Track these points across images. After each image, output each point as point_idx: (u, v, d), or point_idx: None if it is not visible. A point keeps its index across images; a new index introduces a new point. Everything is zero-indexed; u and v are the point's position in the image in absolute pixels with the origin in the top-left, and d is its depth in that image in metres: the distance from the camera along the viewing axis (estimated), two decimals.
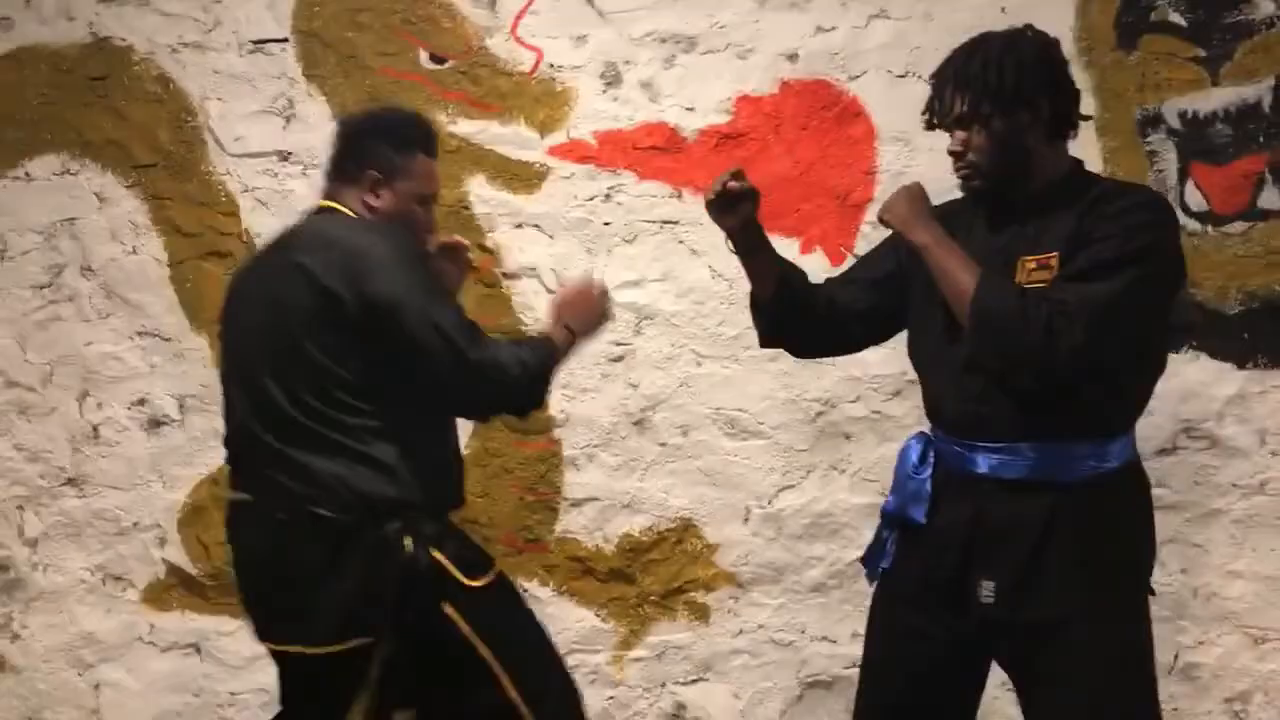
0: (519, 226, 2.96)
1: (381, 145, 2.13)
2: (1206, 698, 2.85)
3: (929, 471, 2.02)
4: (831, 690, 2.94)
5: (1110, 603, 1.90)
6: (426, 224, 2.19)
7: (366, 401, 1.97)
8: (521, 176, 2.95)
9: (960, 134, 1.95)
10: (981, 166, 1.93)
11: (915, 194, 2.03)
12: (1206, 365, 2.81)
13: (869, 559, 2.16)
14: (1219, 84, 2.77)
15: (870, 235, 2.79)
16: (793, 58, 2.90)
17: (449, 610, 1.98)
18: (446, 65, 2.97)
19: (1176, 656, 2.84)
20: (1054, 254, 1.88)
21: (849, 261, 2.75)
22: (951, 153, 1.98)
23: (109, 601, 3.14)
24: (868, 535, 2.90)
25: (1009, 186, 1.95)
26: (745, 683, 2.97)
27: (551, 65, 2.94)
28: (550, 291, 2.93)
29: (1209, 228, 2.80)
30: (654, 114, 2.91)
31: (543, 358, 2.04)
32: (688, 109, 2.91)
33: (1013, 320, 1.81)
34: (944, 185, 2.84)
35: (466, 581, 2.00)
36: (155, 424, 3.10)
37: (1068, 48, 2.76)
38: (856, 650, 2.90)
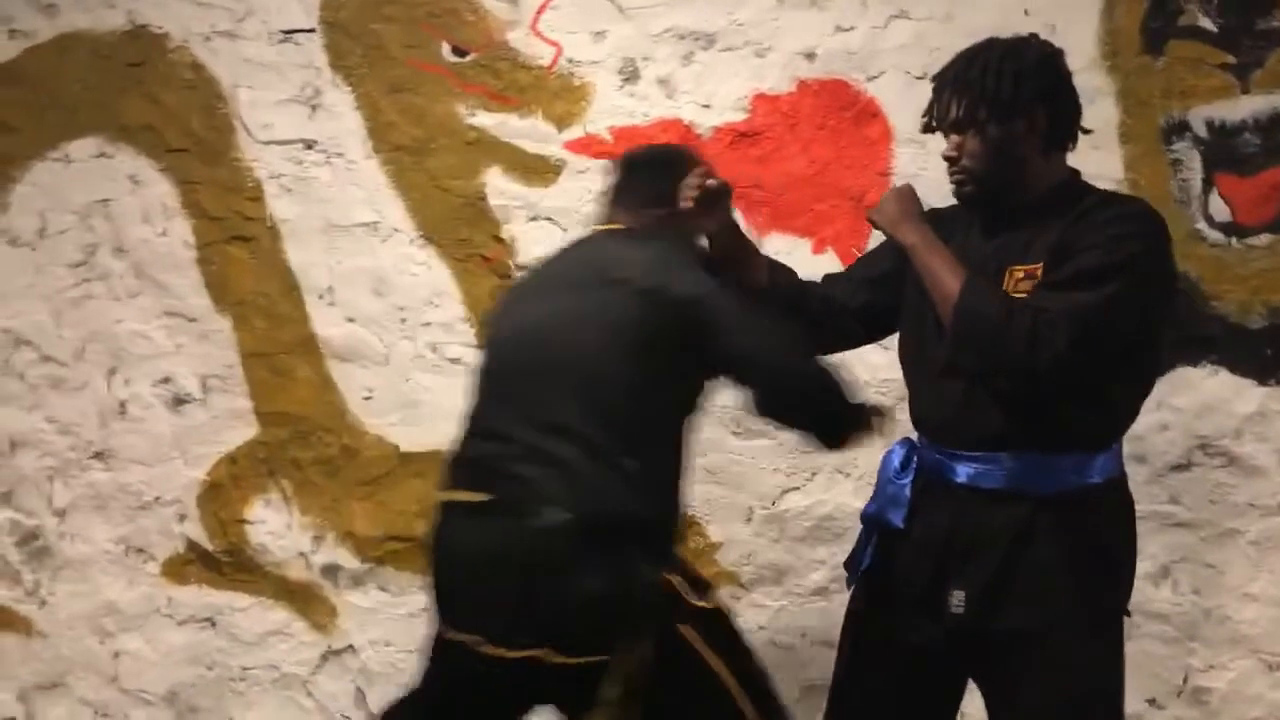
0: (534, 220, 2.99)
1: None
2: None
3: (909, 477, 2.02)
4: None
5: (1079, 620, 1.88)
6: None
7: (654, 416, 1.98)
8: (538, 170, 2.98)
9: (955, 138, 1.95)
10: (975, 172, 1.94)
11: (905, 195, 2.04)
12: (1226, 380, 2.73)
13: (850, 564, 2.15)
14: (1249, 92, 2.68)
15: (882, 238, 2.77)
16: (810, 57, 2.88)
17: (686, 631, 1.94)
18: (468, 58, 3.01)
19: (1186, 679, 2.77)
20: (1040, 264, 1.87)
21: None
22: (946, 157, 1.99)
23: (130, 573, 3.25)
24: None
25: (1002, 194, 1.95)
26: None
27: (570, 60, 2.97)
28: None
29: (1233, 240, 2.71)
30: (670, 110, 2.92)
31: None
32: (704, 106, 2.92)
33: (996, 325, 1.80)
34: None
35: (697, 603, 1.97)
36: (179, 402, 3.20)
37: (1092, 51, 2.77)
38: None
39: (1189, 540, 2.73)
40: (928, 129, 2.02)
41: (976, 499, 1.92)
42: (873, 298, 2.16)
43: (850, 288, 2.19)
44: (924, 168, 2.84)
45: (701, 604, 1.98)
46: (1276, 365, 2.72)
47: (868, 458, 2.88)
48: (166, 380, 3.20)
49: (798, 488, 2.93)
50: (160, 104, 3.16)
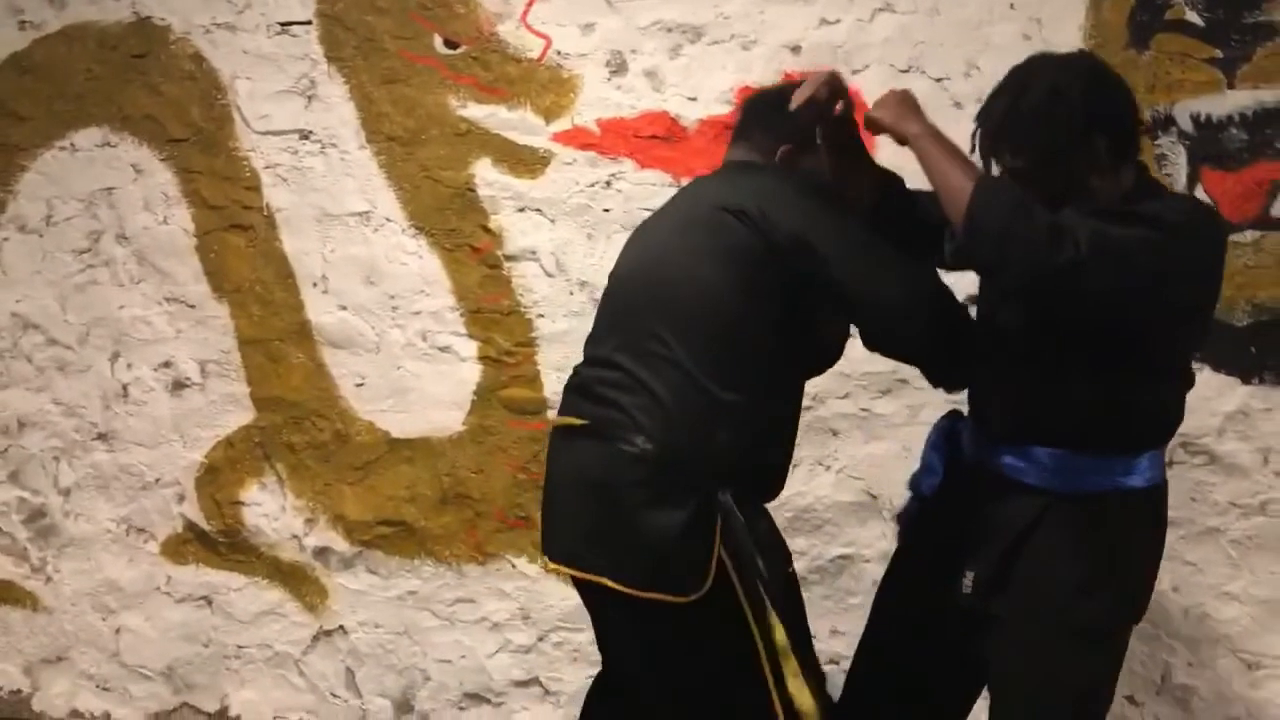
0: (521, 210, 3.02)
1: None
2: None
3: (945, 450, 2.05)
4: None
5: (1072, 619, 1.87)
6: None
7: (759, 350, 1.94)
8: (526, 161, 3.01)
9: (1011, 165, 1.86)
10: (1045, 203, 1.81)
11: (905, 94, 1.94)
12: (1209, 378, 2.70)
13: (900, 522, 2.20)
14: (1235, 87, 2.66)
15: None
16: (796, 50, 2.88)
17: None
18: (459, 50, 3.04)
19: (1165, 677, 2.76)
20: None
21: None
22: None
23: (131, 552, 3.33)
24: (850, 531, 2.95)
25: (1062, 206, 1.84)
26: None
27: (559, 53, 2.99)
28: (550, 275, 2.99)
29: None
30: (657, 102, 2.93)
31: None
32: (690, 99, 2.92)
33: (1015, 217, 1.71)
34: None
35: (761, 565, 1.90)
36: (179, 386, 3.27)
37: (1077, 44, 2.76)
38: (836, 646, 2.94)
39: (1169, 539, 2.65)
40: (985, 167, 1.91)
41: (1000, 485, 1.92)
42: None
43: None
44: (908, 161, 2.84)
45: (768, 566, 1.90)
46: (1260, 363, 2.70)
47: (848, 451, 2.90)
48: (167, 365, 3.27)
49: None
50: (162, 94, 3.21)
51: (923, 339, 1.94)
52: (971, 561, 1.93)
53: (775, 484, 2.08)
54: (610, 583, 1.89)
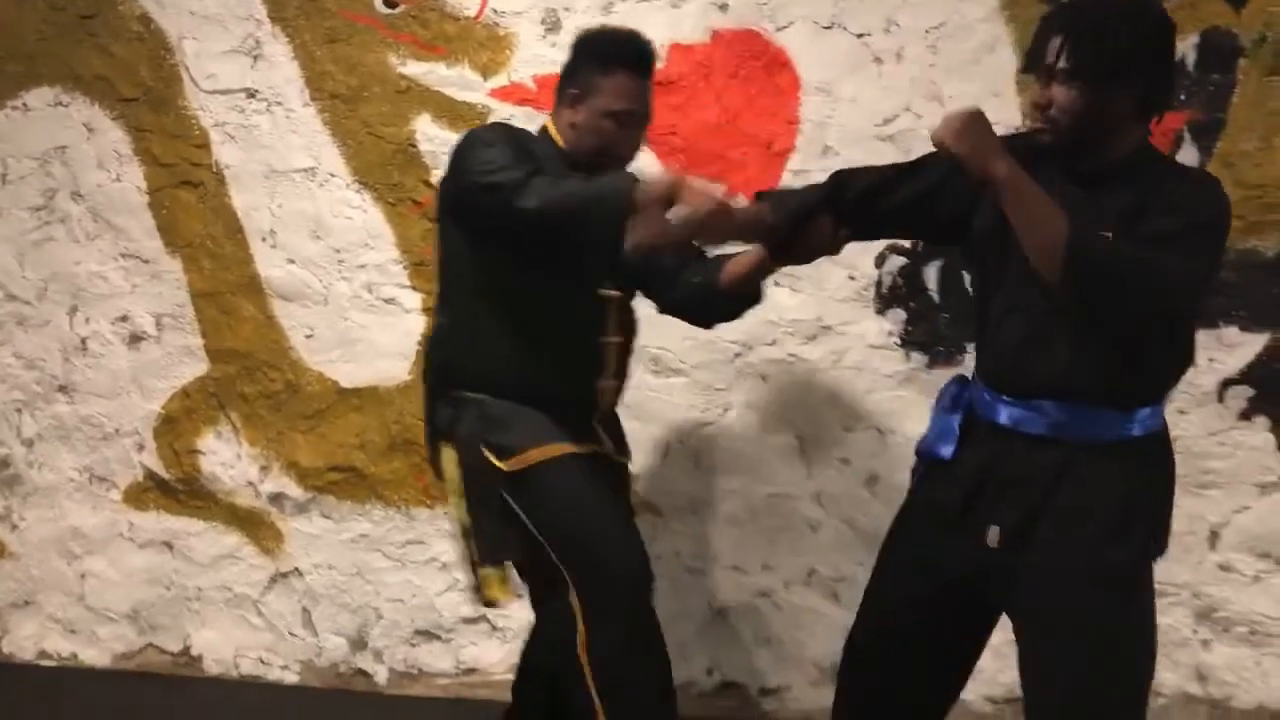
0: None
1: (582, 62, 2.35)
2: None
3: (959, 413, 2.05)
4: (740, 617, 3.09)
5: (1108, 562, 1.90)
6: (621, 141, 2.33)
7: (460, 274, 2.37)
8: (465, 117, 3.09)
9: (1054, 89, 1.87)
10: (1062, 126, 1.87)
11: (982, 121, 1.87)
12: None
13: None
14: None
15: (792, 184, 2.87)
16: (724, 8, 2.97)
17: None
18: (398, 10, 3.11)
19: None
20: (1109, 229, 1.85)
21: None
22: (1035, 104, 1.92)
23: (94, 499, 3.43)
24: (780, 472, 3.06)
25: (1081, 153, 1.91)
26: (659, 606, 3.11)
27: (495, 11, 3.07)
28: None
29: None
30: None
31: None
32: None
33: (1116, 267, 1.79)
34: (863, 135, 2.95)
35: (499, 464, 2.26)
36: (135, 339, 3.36)
37: (992, 1, 2.84)
38: (764, 580, 3.08)
39: None
40: (1027, 69, 1.95)
41: (1017, 440, 1.94)
42: (907, 210, 2.09)
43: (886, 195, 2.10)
44: (830, 115, 2.95)
45: (501, 465, 2.25)
46: None
47: (777, 395, 3.02)
48: (124, 318, 3.36)
49: (711, 423, 3.07)
50: (112, 55, 3.28)
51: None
52: (996, 515, 1.95)
53: (504, 388, 2.32)
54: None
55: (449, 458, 2.34)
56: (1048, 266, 1.80)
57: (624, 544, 2.29)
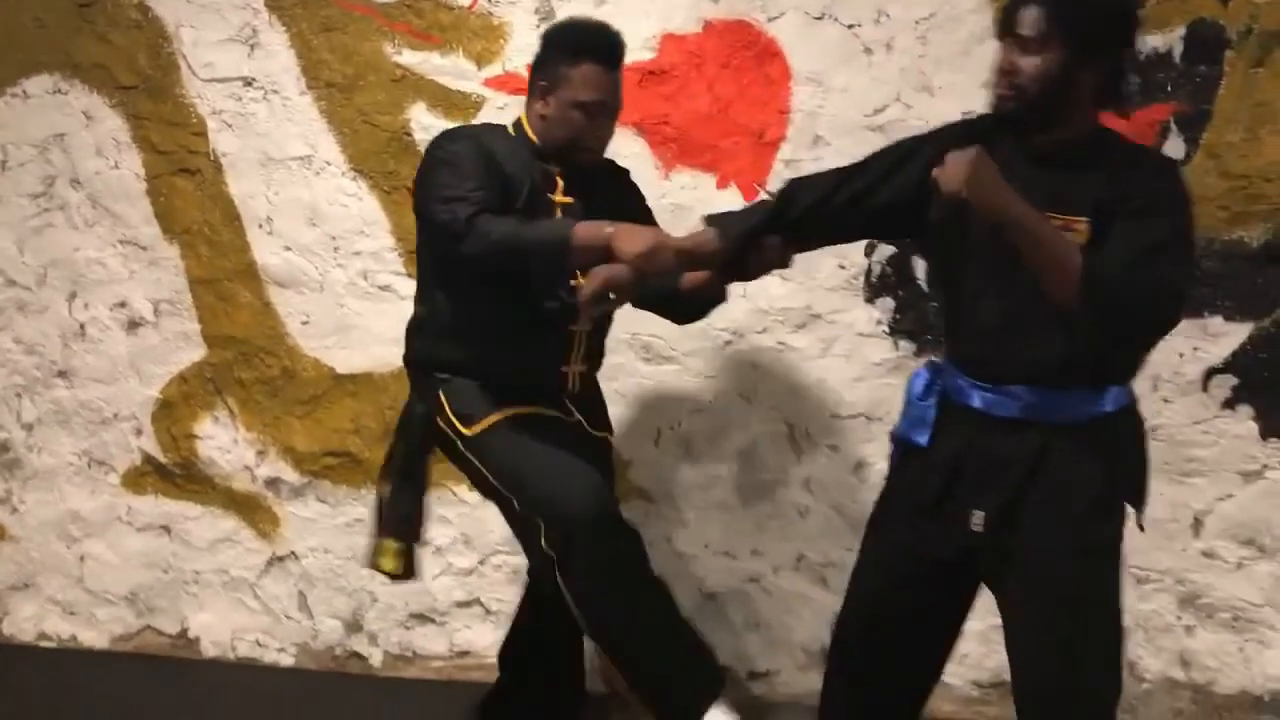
0: None
1: (551, 55, 2.40)
2: None
3: (933, 399, 2.08)
4: (730, 601, 3.13)
5: (1096, 538, 1.97)
6: (590, 131, 2.38)
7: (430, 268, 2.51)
8: (459, 105, 3.12)
9: (1022, 53, 1.89)
10: (1027, 92, 1.89)
11: (986, 161, 1.87)
12: None
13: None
14: None
15: (783, 173, 2.91)
16: None
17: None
18: None
19: None
20: (1081, 219, 1.89)
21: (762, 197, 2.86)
22: (1002, 69, 1.93)
23: (93, 483, 3.47)
24: (770, 458, 3.09)
25: (1039, 126, 1.93)
26: None
27: (489, 0, 3.10)
28: None
29: None
30: None
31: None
32: None
33: (1127, 294, 1.84)
34: (853, 125, 2.97)
35: (463, 430, 2.39)
36: (133, 325, 3.40)
37: None
38: (753, 565, 3.12)
39: None
40: (1000, 35, 1.96)
41: (992, 425, 1.98)
42: (858, 218, 2.15)
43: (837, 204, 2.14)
44: (821, 105, 2.97)
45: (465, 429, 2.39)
46: None
47: (767, 382, 3.06)
48: (122, 304, 3.39)
49: (701, 410, 3.11)
50: (110, 43, 3.30)
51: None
52: (979, 500, 1.99)
53: (472, 373, 2.43)
54: None
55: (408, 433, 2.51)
56: (1063, 298, 1.85)
57: (574, 478, 2.33)
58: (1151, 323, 1.91)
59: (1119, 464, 2.01)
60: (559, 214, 2.41)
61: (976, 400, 2.01)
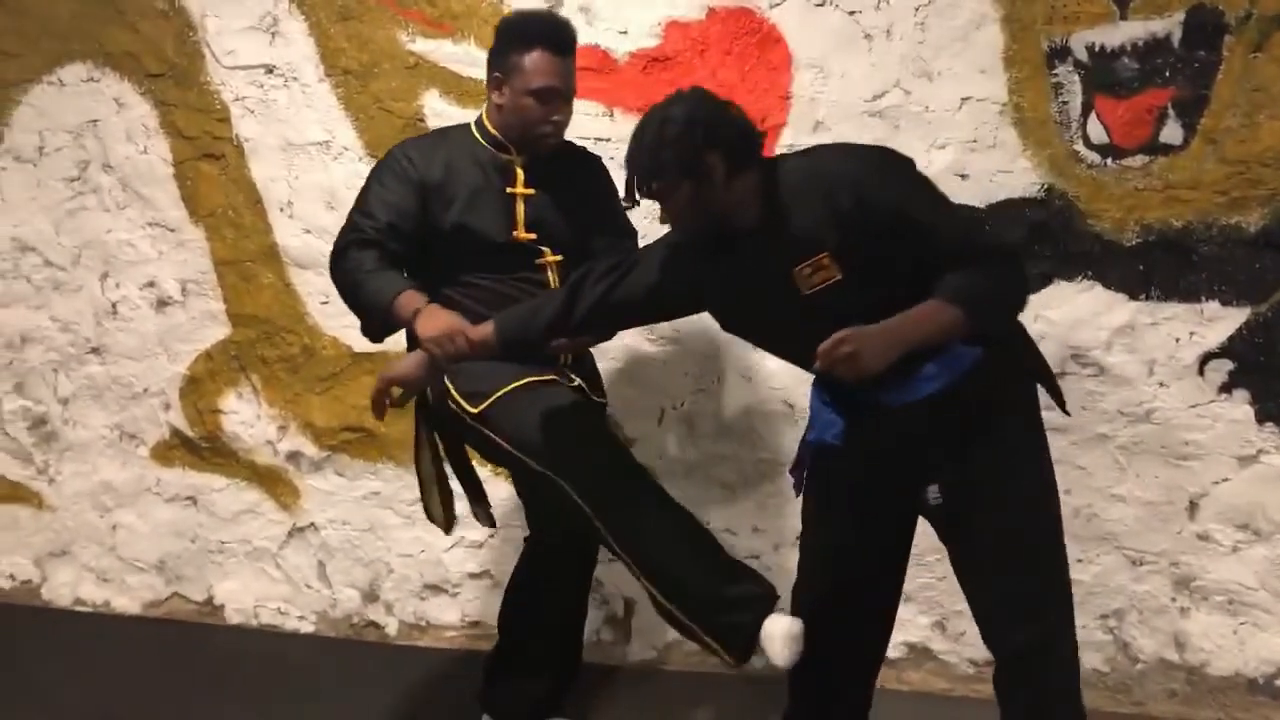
0: None
1: (503, 46, 2.47)
2: (1082, 613, 2.91)
3: (834, 402, 2.14)
4: None
5: (1031, 448, 2.12)
6: (544, 117, 2.45)
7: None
8: (471, 92, 3.20)
9: (668, 204, 2.07)
10: (689, 225, 2.10)
11: (863, 333, 1.94)
12: (1099, 295, 2.88)
13: (795, 474, 2.32)
14: (1127, 18, 2.79)
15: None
16: None
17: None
18: None
19: None
20: (822, 254, 1.98)
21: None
22: (662, 221, 2.13)
23: (124, 456, 3.63)
24: (770, 438, 3.15)
25: (719, 226, 2.07)
26: None
27: None
28: None
29: (1109, 160, 2.84)
30: (590, 37, 3.09)
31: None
32: (621, 32, 3.10)
33: (1006, 298, 2.04)
34: (853, 111, 3.01)
35: (470, 409, 2.43)
36: (162, 304, 3.54)
37: None
38: (756, 543, 3.18)
39: (1061, 444, 2.89)
40: (628, 206, 2.16)
41: (898, 412, 2.04)
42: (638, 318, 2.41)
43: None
44: (821, 91, 3.01)
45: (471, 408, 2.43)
46: (1147, 281, 2.86)
47: (768, 364, 3.11)
48: (151, 284, 3.54)
49: (705, 390, 3.17)
50: (139, 32, 3.43)
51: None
52: (932, 474, 2.08)
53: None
54: None
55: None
56: (970, 337, 1.98)
57: (591, 431, 2.40)
58: (1020, 298, 2.08)
59: (1027, 383, 2.14)
60: (520, 206, 2.48)
61: (865, 398, 2.06)
